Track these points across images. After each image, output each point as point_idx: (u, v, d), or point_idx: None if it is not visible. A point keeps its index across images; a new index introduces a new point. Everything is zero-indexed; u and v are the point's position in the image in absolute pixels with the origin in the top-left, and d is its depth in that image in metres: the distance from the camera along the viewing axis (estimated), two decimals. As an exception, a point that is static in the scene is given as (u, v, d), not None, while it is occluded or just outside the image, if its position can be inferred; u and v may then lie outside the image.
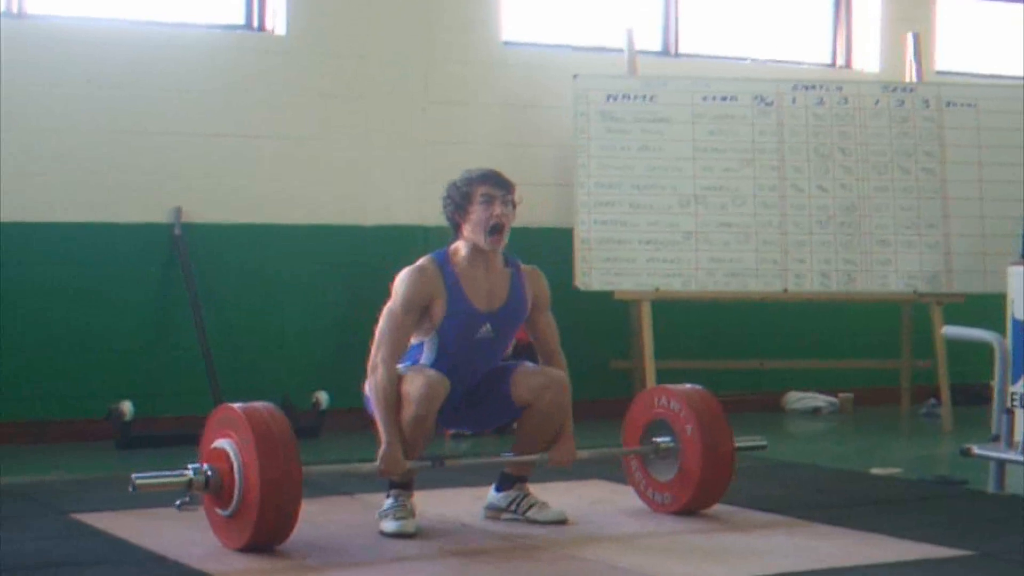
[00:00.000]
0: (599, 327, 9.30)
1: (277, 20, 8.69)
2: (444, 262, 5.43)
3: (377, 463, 5.24)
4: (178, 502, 5.11)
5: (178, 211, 8.38)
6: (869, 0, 10.40)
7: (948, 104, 9.34)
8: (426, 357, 5.44)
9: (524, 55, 9.33)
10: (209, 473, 5.01)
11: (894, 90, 9.38)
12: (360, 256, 8.81)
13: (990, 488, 6.43)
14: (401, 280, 5.41)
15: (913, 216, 9.16)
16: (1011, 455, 6.31)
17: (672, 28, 9.90)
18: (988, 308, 8.32)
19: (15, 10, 8.15)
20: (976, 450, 6.44)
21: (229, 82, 8.54)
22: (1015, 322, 6.53)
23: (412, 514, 5.35)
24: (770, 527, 5.57)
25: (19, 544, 5.14)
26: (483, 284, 5.43)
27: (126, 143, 8.30)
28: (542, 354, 5.66)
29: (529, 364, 5.58)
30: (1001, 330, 6.64)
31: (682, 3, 9.90)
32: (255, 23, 8.72)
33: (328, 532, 5.40)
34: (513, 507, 5.59)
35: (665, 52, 9.88)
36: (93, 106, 8.22)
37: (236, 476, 4.93)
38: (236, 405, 5.06)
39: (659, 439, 5.81)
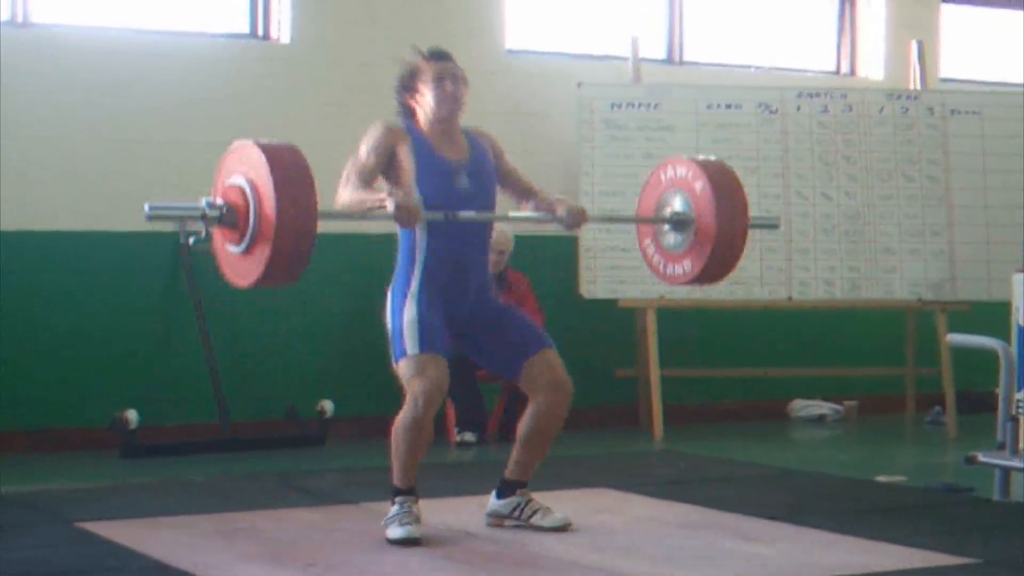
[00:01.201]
0: (604, 335, 9.29)
1: (282, 29, 8.70)
2: (409, 127, 5.46)
3: (391, 212, 5.20)
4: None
5: (183, 220, 8.37)
6: (873, 8, 10.40)
7: (952, 112, 9.34)
8: (420, 234, 5.36)
9: (528, 63, 9.33)
10: (223, 207, 4.95)
11: (898, 98, 9.38)
12: (365, 265, 8.79)
13: (995, 496, 6.42)
14: (364, 133, 5.44)
15: (918, 224, 9.16)
16: (1016, 463, 6.31)
17: (676, 36, 9.90)
18: (993, 316, 8.30)
19: (19, 19, 8.16)
20: (981, 458, 6.44)
21: (234, 91, 8.55)
22: (1020, 329, 6.52)
23: (417, 520, 5.34)
24: (776, 534, 5.56)
25: (23, 552, 5.15)
26: (446, 141, 5.44)
27: (130, 152, 8.31)
28: (519, 191, 5.65)
29: (551, 354, 5.51)
30: (1006, 338, 6.63)
31: (686, 11, 9.90)
32: (259, 31, 8.73)
33: (333, 540, 5.40)
34: (516, 513, 5.58)
35: (669, 60, 9.88)
36: (97, 115, 8.23)
37: (251, 208, 4.86)
38: (251, 141, 5.03)
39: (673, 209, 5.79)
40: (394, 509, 5.36)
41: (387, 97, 8.45)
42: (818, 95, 9.29)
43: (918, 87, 9.62)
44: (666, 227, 5.84)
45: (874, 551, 5.26)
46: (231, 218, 4.92)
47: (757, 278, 9.00)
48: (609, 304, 8.95)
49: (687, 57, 9.93)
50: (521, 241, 8.61)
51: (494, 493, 5.65)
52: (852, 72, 10.46)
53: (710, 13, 10.03)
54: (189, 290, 8.32)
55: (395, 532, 5.29)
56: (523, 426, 5.56)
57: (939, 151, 9.26)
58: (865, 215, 9.13)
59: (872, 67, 10.41)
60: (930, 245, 9.15)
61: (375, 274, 8.71)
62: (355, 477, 6.93)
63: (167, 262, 8.38)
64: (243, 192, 4.91)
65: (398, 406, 5.40)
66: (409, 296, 5.35)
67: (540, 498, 5.65)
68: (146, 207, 4.99)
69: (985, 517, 6.06)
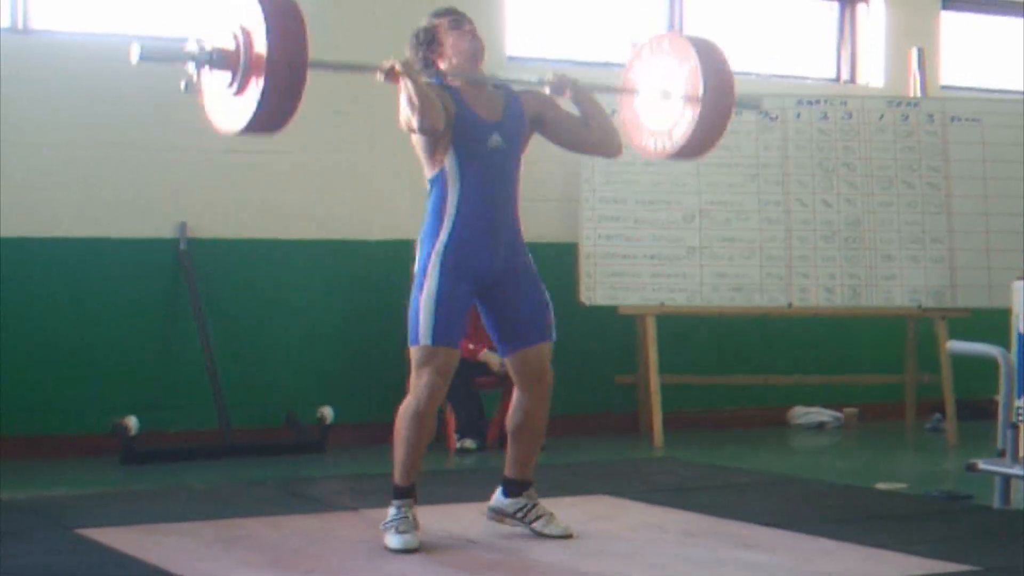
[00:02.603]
0: (604, 342, 9.30)
1: (282, 35, 8.70)
2: (444, 86, 5.44)
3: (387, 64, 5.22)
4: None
5: (183, 226, 8.39)
6: (873, 15, 10.41)
7: (952, 119, 9.34)
8: (451, 181, 5.36)
9: (529, 70, 9.32)
10: (213, 49, 4.96)
11: (898, 105, 9.38)
12: (366, 271, 8.82)
13: (995, 503, 6.42)
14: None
15: (918, 231, 9.16)
16: (1016, 470, 6.30)
17: (676, 43, 9.89)
18: (993, 323, 8.31)
19: (19, 26, 8.17)
20: (981, 465, 6.43)
21: (234, 97, 8.54)
22: (1020, 336, 6.52)
23: (415, 526, 5.34)
24: (775, 542, 5.56)
25: (24, 559, 5.15)
26: (480, 98, 5.45)
27: (131, 158, 8.32)
28: (575, 127, 5.66)
29: (547, 348, 5.55)
30: (1006, 345, 6.63)
31: (685, 17, 9.91)
32: (260, 38, 8.73)
33: (333, 547, 5.40)
34: (520, 514, 5.58)
35: (670, 67, 9.87)
36: (97, 121, 8.24)
37: (241, 47, 4.88)
38: None
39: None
40: (391, 513, 5.36)
41: (384, 105, 8.45)
42: (818, 102, 9.29)
43: (918, 94, 9.62)
44: (650, 99, 5.86)
45: (874, 559, 5.26)
46: (222, 58, 4.95)
47: (757, 285, 9.01)
48: (609, 311, 8.96)
49: (687, 64, 9.92)
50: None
51: (500, 490, 5.65)
52: (852, 79, 10.47)
53: (710, 20, 10.03)
54: (189, 296, 8.32)
55: (393, 541, 5.28)
56: (510, 419, 5.60)
57: (939, 158, 9.26)
58: (865, 222, 9.13)
59: (872, 74, 10.41)
60: (930, 252, 9.15)
61: (375, 281, 8.80)
62: (355, 484, 6.93)
63: (167, 268, 8.38)
64: (233, 35, 4.93)
65: (393, 420, 5.41)
66: (434, 255, 5.36)
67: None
68: (135, 50, 5.04)
69: (985, 525, 6.06)
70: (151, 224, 8.35)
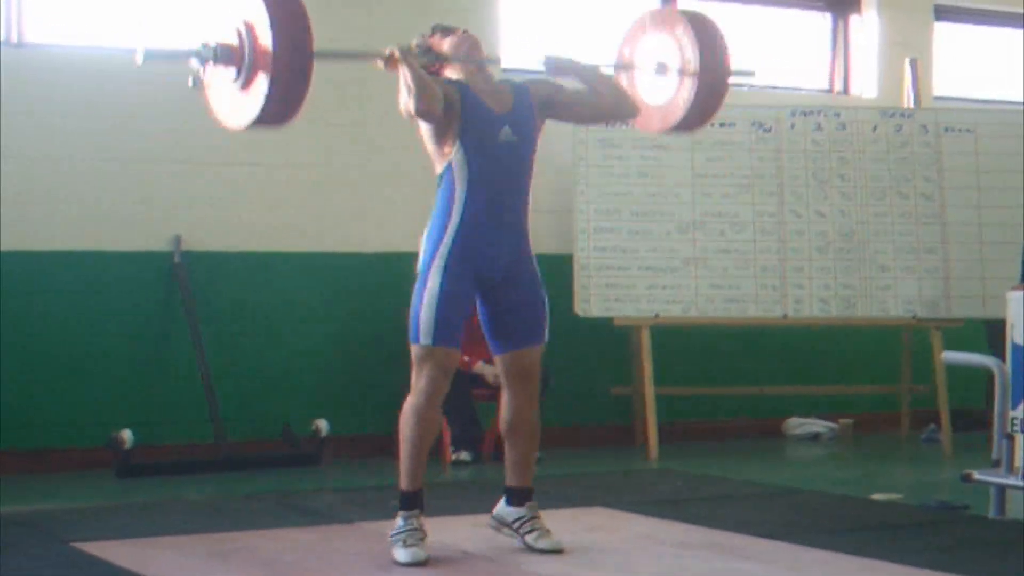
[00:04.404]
0: (599, 353, 9.30)
1: (276, 48, 8.71)
2: (451, 80, 5.46)
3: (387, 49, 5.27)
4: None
5: (178, 239, 8.39)
6: (867, 26, 10.43)
7: (946, 130, 9.36)
8: (459, 179, 5.35)
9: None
10: (217, 45, 4.97)
11: (892, 116, 9.40)
12: (360, 284, 8.82)
13: (991, 513, 6.42)
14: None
15: (912, 241, 9.17)
16: (1012, 480, 6.31)
17: (670, 55, 9.91)
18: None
19: (14, 39, 8.17)
20: (977, 475, 6.43)
21: (229, 110, 8.55)
22: (1015, 347, 6.53)
23: (423, 538, 5.32)
24: (771, 553, 5.56)
25: (19, 573, 5.14)
26: (491, 92, 5.46)
27: (126, 171, 8.32)
28: (582, 102, 5.68)
29: (537, 351, 5.55)
30: (1001, 355, 6.64)
31: (680, 30, 9.91)
32: (254, 51, 8.73)
33: (329, 560, 5.39)
34: (516, 525, 5.57)
35: (663, 79, 9.88)
36: (92, 134, 8.24)
37: (246, 40, 4.89)
38: None
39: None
40: (399, 523, 5.34)
41: (380, 112, 8.50)
42: (812, 113, 9.31)
43: (912, 105, 9.65)
44: (647, 75, 5.87)
45: (870, 569, 5.26)
46: (226, 54, 4.96)
47: (752, 296, 9.01)
48: (604, 322, 8.96)
49: (681, 76, 9.93)
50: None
51: (504, 499, 5.65)
52: (846, 90, 10.49)
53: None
54: (185, 309, 8.32)
55: (401, 555, 5.26)
56: (502, 420, 5.61)
57: (933, 169, 9.28)
58: (859, 233, 9.14)
59: (866, 85, 10.43)
60: (925, 263, 9.17)
61: (371, 293, 8.80)
62: (351, 496, 6.93)
63: (163, 282, 8.38)
64: (237, 31, 4.94)
65: (394, 425, 5.40)
66: (438, 255, 5.36)
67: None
68: (140, 50, 5.03)
69: (981, 535, 6.06)
70: (145, 237, 8.35)
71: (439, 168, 5.43)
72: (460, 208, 5.37)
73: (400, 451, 5.39)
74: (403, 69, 5.22)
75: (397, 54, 5.24)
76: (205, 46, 5.00)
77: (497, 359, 5.58)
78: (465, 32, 5.55)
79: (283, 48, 4.85)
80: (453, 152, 5.37)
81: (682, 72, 5.75)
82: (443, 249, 5.37)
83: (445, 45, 5.50)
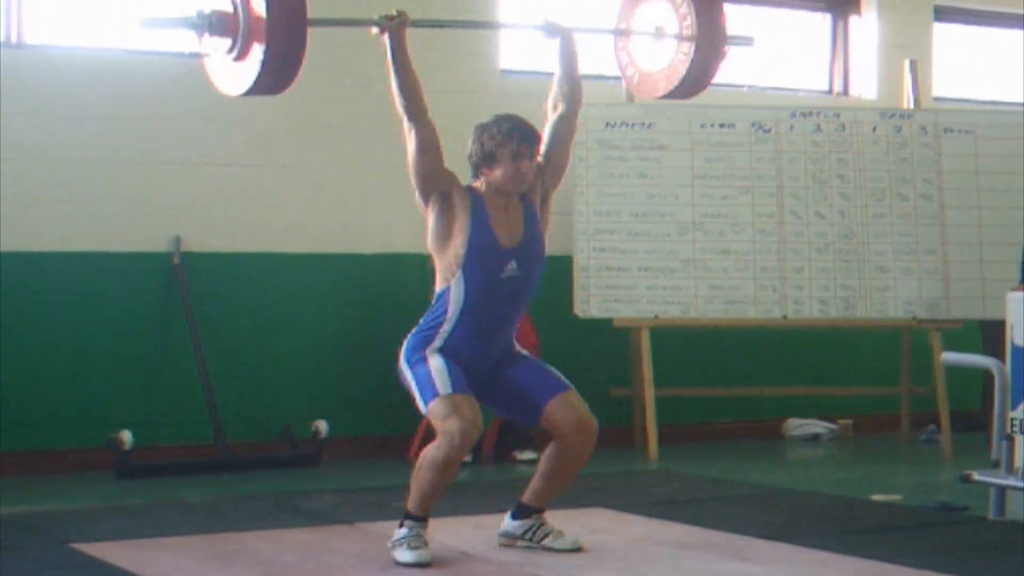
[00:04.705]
0: (598, 355, 9.29)
1: (276, 49, 8.70)
2: (471, 189, 5.44)
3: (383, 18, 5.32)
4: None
5: (177, 240, 8.39)
6: (866, 27, 10.43)
7: (946, 131, 9.35)
8: (453, 304, 5.32)
9: (522, 83, 9.31)
10: (212, 13, 5.03)
11: (892, 117, 9.39)
12: (360, 284, 8.82)
13: (991, 514, 6.42)
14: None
15: (911, 242, 9.17)
16: (1011, 481, 6.31)
17: (670, 56, 9.92)
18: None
19: (13, 40, 8.17)
20: (976, 476, 6.44)
21: (228, 111, 8.54)
22: (1014, 348, 6.53)
23: (427, 544, 5.32)
24: (771, 554, 5.56)
25: (19, 574, 5.14)
26: (504, 218, 5.41)
27: (125, 172, 8.32)
28: (555, 136, 5.70)
29: (572, 396, 5.51)
30: (1000, 356, 6.64)
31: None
32: (254, 52, 8.74)
33: (329, 561, 5.40)
34: (528, 535, 5.57)
35: (663, 80, 9.89)
36: (92, 135, 8.24)
37: (240, 9, 4.94)
38: None
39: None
40: (403, 531, 5.34)
41: (380, 114, 8.48)
42: (811, 114, 9.30)
43: (911, 106, 9.63)
44: (644, 40, 5.92)
45: (869, 570, 5.26)
46: (221, 23, 5.02)
47: (751, 297, 9.01)
48: (604, 324, 8.96)
49: (681, 77, 9.93)
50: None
51: (509, 513, 5.64)
52: (845, 91, 10.49)
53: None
54: (184, 311, 8.32)
55: (405, 556, 5.26)
56: (547, 462, 5.55)
57: (932, 170, 9.27)
58: (859, 234, 9.14)
59: (865, 86, 10.43)
60: (924, 264, 9.16)
61: (370, 295, 8.80)
62: (351, 498, 6.93)
63: (162, 282, 8.38)
64: (231, 2, 5.01)
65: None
66: (430, 351, 5.34)
67: (541, 519, 5.64)
68: (138, 19, 5.15)
69: (981, 536, 6.07)
70: (145, 238, 8.35)
71: (439, 286, 5.38)
72: (448, 331, 5.35)
73: (417, 484, 5.34)
74: (388, 41, 5.29)
75: (389, 24, 5.30)
76: (201, 14, 5.03)
77: (546, 427, 5.50)
78: (529, 160, 5.43)
79: (277, 17, 4.88)
80: (454, 280, 5.32)
81: (680, 36, 5.76)
82: (434, 346, 5.34)
83: (503, 165, 5.39)
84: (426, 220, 5.42)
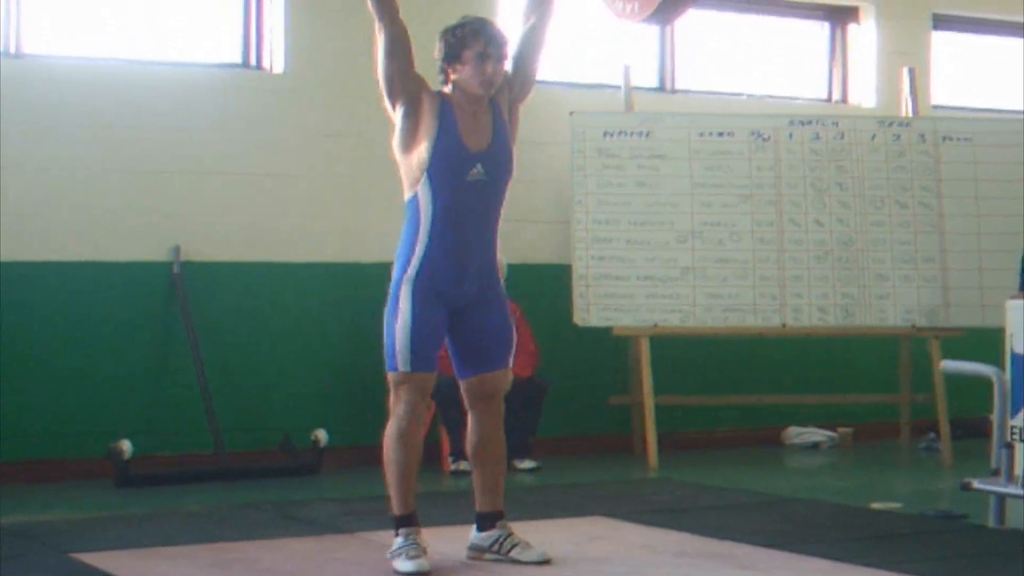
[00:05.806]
0: (598, 363, 9.30)
1: (274, 58, 8.72)
2: (440, 94, 5.40)
3: None
4: None
5: (177, 249, 8.39)
6: (865, 35, 10.44)
7: (944, 138, 9.35)
8: (424, 213, 5.28)
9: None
10: None
11: (890, 125, 9.40)
12: (360, 294, 8.81)
13: (990, 522, 6.41)
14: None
15: (911, 250, 9.17)
16: (1011, 489, 6.30)
17: (668, 64, 9.94)
18: (987, 342, 8.32)
19: (13, 50, 8.18)
20: (976, 484, 6.44)
21: (228, 120, 8.56)
22: (1014, 356, 6.53)
23: (424, 552, 5.30)
24: (771, 563, 5.55)
25: (19, 584, 5.14)
26: (473, 123, 5.37)
27: (125, 182, 8.32)
28: (524, 51, 5.60)
29: (501, 374, 5.51)
30: (999, 364, 6.64)
31: (678, 39, 9.93)
32: (252, 61, 8.75)
33: (329, 570, 5.39)
34: (496, 547, 5.50)
35: (661, 88, 9.91)
36: (92, 145, 8.25)
37: None
38: None
39: None
40: (399, 541, 5.31)
41: (379, 123, 8.48)
42: (810, 122, 9.30)
43: (910, 114, 9.64)
44: None
45: (869, 578, 5.26)
46: None
47: (750, 305, 9.01)
48: (603, 332, 8.96)
49: (679, 85, 9.96)
50: (515, 270, 8.61)
51: (475, 527, 5.60)
52: (844, 99, 10.50)
53: (702, 41, 10.06)
54: (183, 320, 8.32)
55: (404, 566, 5.23)
56: (469, 444, 5.56)
57: (931, 178, 9.28)
58: (858, 242, 9.14)
59: (864, 94, 10.44)
60: (923, 271, 9.16)
61: (369, 304, 8.72)
62: (350, 507, 6.92)
63: (161, 291, 8.38)
64: None
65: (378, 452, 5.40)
66: (405, 281, 5.34)
67: (534, 526, 5.63)
68: None
69: (980, 544, 6.06)
70: (144, 247, 8.35)
71: (406, 193, 5.36)
72: (424, 243, 5.32)
73: (387, 476, 5.36)
74: None
75: None
76: None
77: (463, 383, 5.52)
78: (496, 60, 5.38)
79: None
80: (419, 187, 5.30)
81: None
82: (410, 272, 5.34)
83: (470, 65, 5.35)
84: (391, 124, 5.36)
